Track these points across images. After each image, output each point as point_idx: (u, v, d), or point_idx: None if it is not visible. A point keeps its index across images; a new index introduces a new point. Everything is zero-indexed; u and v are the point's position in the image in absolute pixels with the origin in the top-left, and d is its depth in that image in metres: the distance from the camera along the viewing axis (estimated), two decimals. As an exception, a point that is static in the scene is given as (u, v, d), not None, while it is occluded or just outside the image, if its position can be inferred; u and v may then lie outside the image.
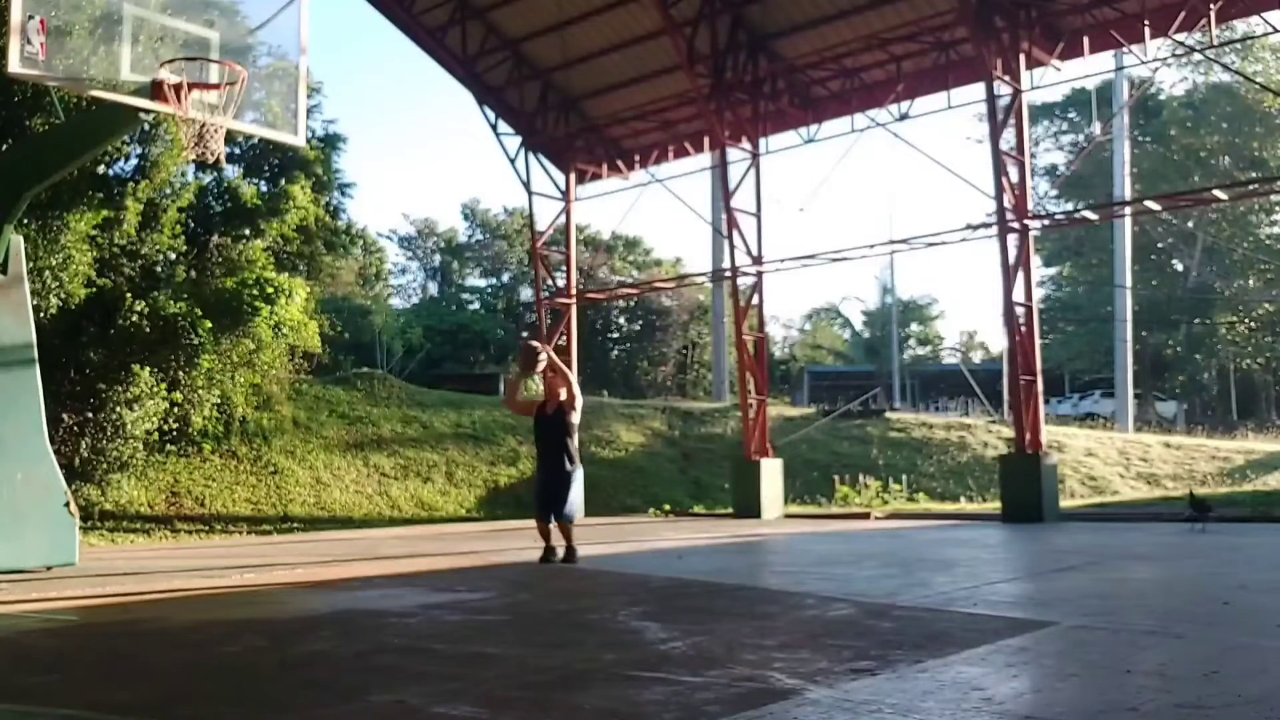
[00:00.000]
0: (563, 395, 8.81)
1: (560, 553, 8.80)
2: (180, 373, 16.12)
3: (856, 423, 26.32)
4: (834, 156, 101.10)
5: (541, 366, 8.82)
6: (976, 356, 59.23)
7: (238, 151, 19.78)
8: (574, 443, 8.87)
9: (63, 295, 14.00)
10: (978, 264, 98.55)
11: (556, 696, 3.77)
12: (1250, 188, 23.98)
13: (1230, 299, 42.06)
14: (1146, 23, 14.58)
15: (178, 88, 8.25)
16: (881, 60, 17.10)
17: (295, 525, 17.14)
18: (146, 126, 14.04)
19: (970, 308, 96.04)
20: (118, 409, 15.09)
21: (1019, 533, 12.08)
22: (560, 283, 21.88)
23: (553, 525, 8.85)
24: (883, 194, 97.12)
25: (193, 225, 18.40)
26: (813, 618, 5.60)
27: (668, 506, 19.48)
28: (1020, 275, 14.45)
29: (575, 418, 8.90)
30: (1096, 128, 38.83)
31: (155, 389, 15.48)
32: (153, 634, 5.67)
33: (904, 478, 20.82)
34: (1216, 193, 18.17)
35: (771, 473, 17.24)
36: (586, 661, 4.41)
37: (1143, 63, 16.24)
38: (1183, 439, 26.30)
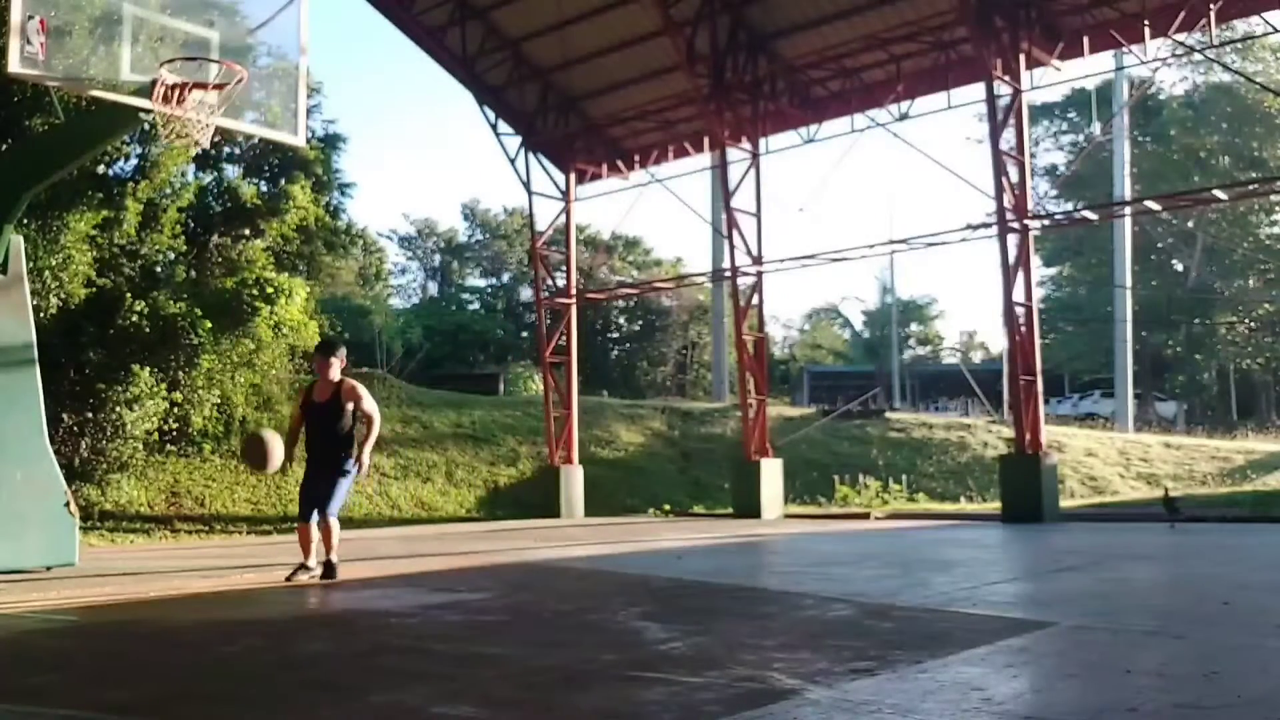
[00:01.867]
0: (354, 405, 7.63)
1: (315, 568, 7.66)
2: (180, 373, 16.11)
3: (856, 423, 26.32)
4: (834, 156, 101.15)
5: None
6: (976, 356, 59.24)
7: (238, 151, 19.78)
8: (353, 437, 7.69)
9: (63, 295, 13.99)
10: (978, 264, 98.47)
11: (556, 696, 3.77)
12: (1250, 188, 23.97)
13: (1230, 299, 42.05)
14: (1146, 23, 14.59)
15: (178, 88, 8.25)
16: (881, 60, 17.10)
17: (295, 525, 17.11)
18: (146, 126, 13.98)
19: (970, 308, 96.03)
20: (118, 409, 15.09)
21: (1019, 533, 12.08)
22: (560, 283, 21.89)
23: (316, 535, 7.70)
24: (883, 194, 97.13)
25: (193, 225, 18.39)
26: (812, 618, 5.60)
27: (668, 506, 19.48)
28: (1020, 275, 14.45)
29: (358, 420, 7.67)
30: (1096, 128, 38.84)
31: (155, 389, 15.47)
32: (153, 634, 5.67)
33: (904, 478, 20.83)
34: (1216, 193, 18.17)
35: (771, 473, 17.24)
36: (586, 661, 4.41)
37: (1143, 63, 16.25)
38: (1183, 439, 26.31)
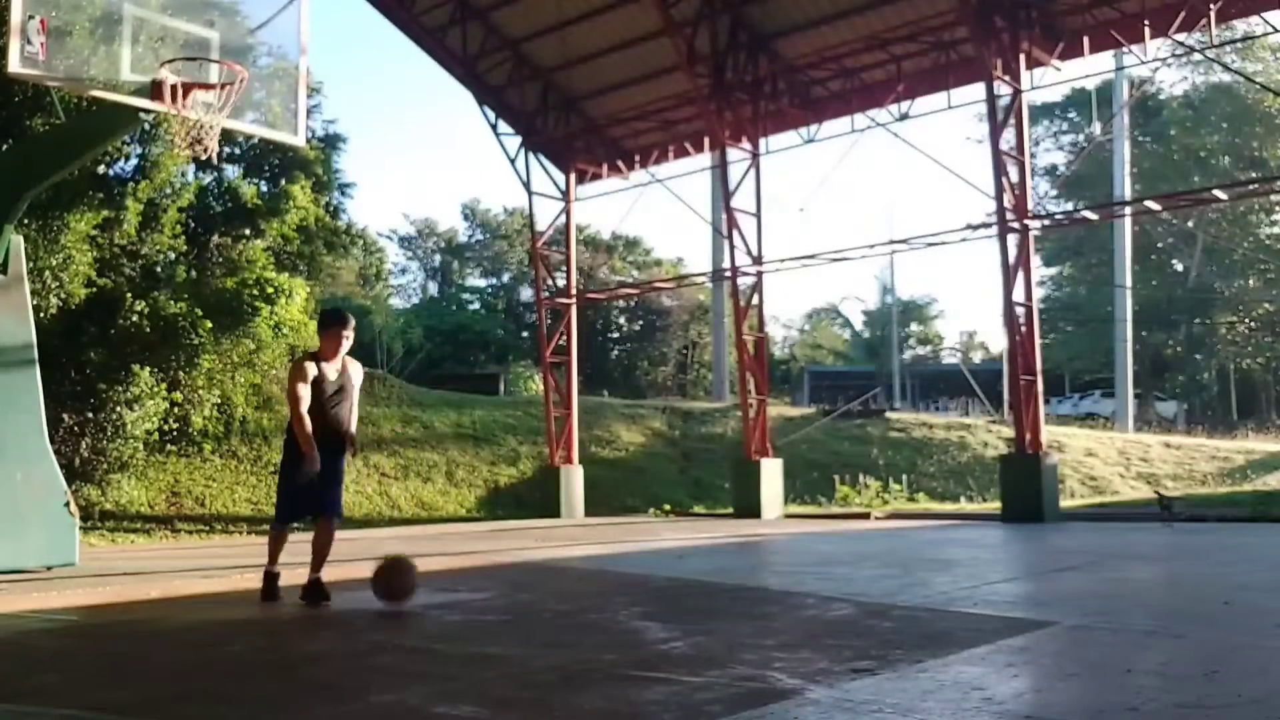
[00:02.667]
0: (355, 378, 6.56)
1: (274, 584, 6.46)
2: (180, 373, 16.13)
3: (856, 423, 26.32)
4: (834, 156, 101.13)
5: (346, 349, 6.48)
6: (976, 356, 59.27)
7: (238, 151, 19.78)
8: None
9: (63, 295, 14.00)
10: (978, 264, 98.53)
11: (556, 696, 3.76)
12: (1250, 188, 23.98)
13: (1230, 299, 42.06)
14: (1146, 23, 14.58)
15: (178, 88, 8.25)
16: (881, 60, 17.10)
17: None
18: (146, 126, 14.04)
19: (970, 308, 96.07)
20: (118, 409, 15.09)
21: (1019, 533, 12.08)
22: (560, 283, 21.89)
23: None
24: (883, 194, 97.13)
25: (193, 225, 18.40)
26: (813, 618, 5.60)
27: (668, 506, 19.48)
28: (1020, 275, 14.45)
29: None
30: (1096, 128, 38.83)
31: (155, 389, 15.48)
32: (153, 634, 5.67)
33: (904, 478, 20.83)
34: (1216, 193, 18.17)
35: (771, 473, 17.24)
36: (586, 661, 4.41)
37: (1143, 63, 16.26)
38: (1183, 439, 26.30)
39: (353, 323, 6.63)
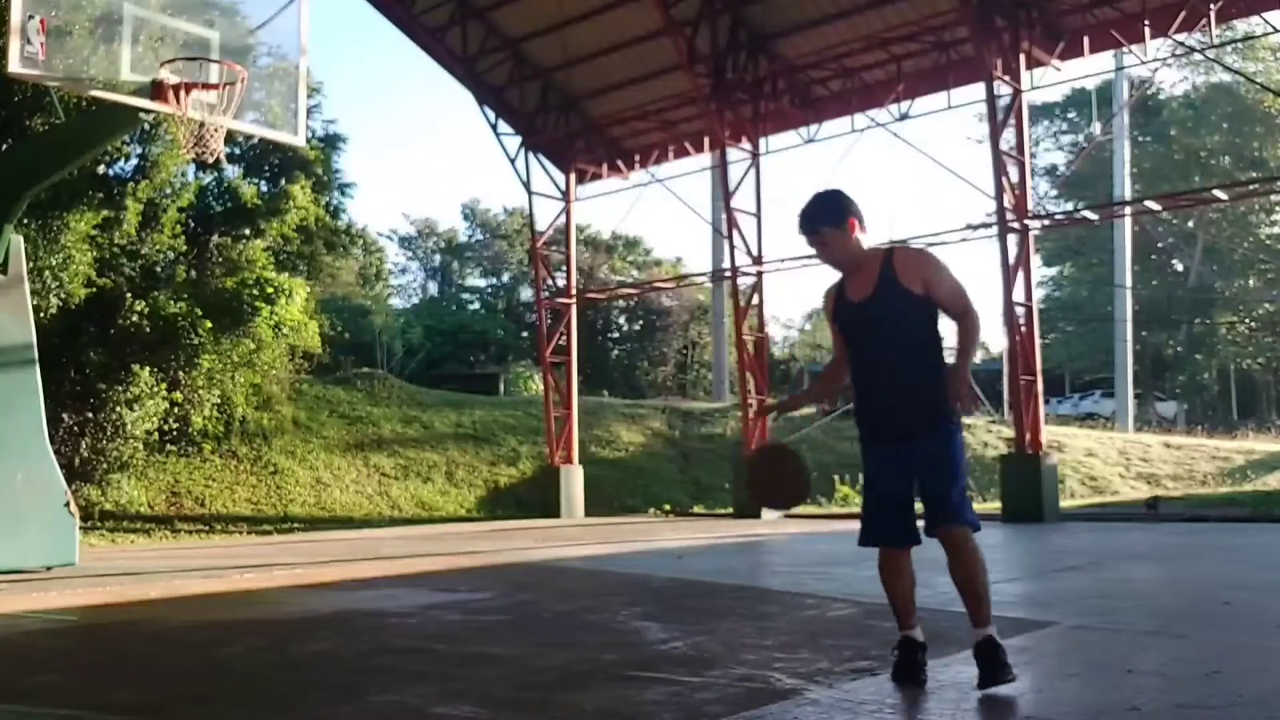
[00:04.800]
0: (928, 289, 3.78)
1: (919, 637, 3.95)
2: (180, 373, 16.14)
3: (857, 423, 26.26)
4: (834, 156, 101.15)
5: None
6: (977, 356, 59.15)
7: (238, 151, 19.78)
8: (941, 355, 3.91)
9: (63, 295, 14.00)
10: (978, 264, 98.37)
11: (556, 696, 3.76)
12: (1250, 188, 23.94)
13: (1230, 299, 42.03)
14: (1146, 23, 14.57)
15: (178, 88, 8.26)
16: (881, 60, 17.09)
17: (295, 525, 17.13)
18: (146, 126, 14.05)
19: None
20: (118, 409, 15.10)
21: (1019, 533, 12.07)
22: (560, 283, 21.87)
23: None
24: (883, 194, 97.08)
25: (193, 225, 18.41)
26: (813, 618, 5.60)
27: (668, 506, 19.47)
28: (1020, 275, 14.44)
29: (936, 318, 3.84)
30: (1096, 128, 38.82)
31: (155, 389, 15.49)
32: (153, 634, 5.67)
33: (904, 478, 20.79)
34: (1216, 193, 18.15)
35: (772, 473, 17.21)
36: (586, 661, 4.41)
37: (1143, 63, 16.24)
38: (1183, 439, 26.28)
39: (856, 208, 3.98)
